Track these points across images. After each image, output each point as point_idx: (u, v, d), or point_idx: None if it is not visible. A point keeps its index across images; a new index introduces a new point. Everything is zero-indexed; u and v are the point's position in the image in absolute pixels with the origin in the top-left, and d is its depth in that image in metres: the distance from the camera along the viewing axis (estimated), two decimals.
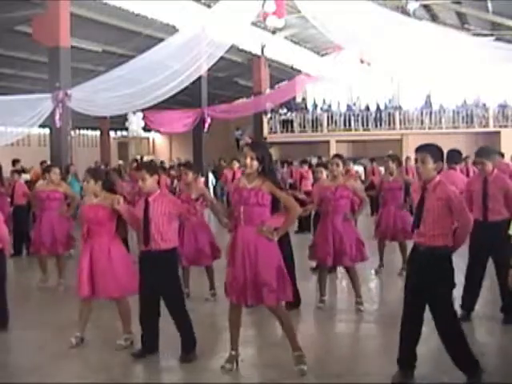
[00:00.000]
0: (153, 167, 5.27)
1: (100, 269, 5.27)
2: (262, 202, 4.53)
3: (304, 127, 25.56)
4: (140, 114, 18.52)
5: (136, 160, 17.39)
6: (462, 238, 4.40)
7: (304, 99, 27.09)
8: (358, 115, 25.37)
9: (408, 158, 14.70)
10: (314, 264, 8.07)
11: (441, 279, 4.30)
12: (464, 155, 10.39)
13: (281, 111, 25.76)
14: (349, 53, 20.12)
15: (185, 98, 17.57)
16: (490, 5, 17.87)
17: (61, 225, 7.92)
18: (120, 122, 21.33)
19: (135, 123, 19.56)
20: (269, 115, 24.89)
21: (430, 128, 24.36)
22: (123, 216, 5.28)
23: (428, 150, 4.38)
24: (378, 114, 25.23)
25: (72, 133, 14.11)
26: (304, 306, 6.73)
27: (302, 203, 6.66)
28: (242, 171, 4.77)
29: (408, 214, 8.15)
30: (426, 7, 19.54)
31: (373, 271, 8.44)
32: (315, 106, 26.56)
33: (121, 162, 22.52)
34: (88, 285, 5.29)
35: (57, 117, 12.67)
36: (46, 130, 17.55)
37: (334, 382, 4.56)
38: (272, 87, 24.21)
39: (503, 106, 24.14)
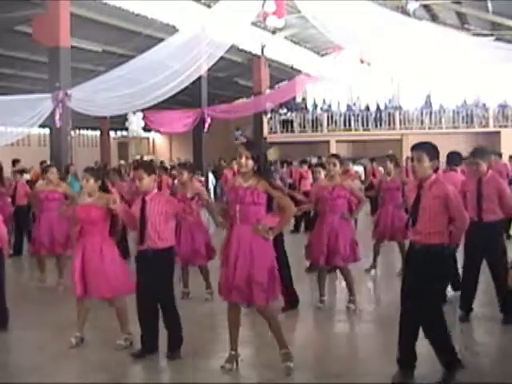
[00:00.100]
0: (151, 167, 5.29)
1: (92, 269, 5.28)
2: (258, 201, 4.57)
3: (304, 127, 25.58)
4: (140, 114, 18.52)
5: (137, 161, 17.40)
6: (458, 236, 4.45)
7: (304, 99, 27.10)
8: (357, 115, 25.39)
9: (408, 158, 14.69)
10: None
11: (436, 277, 4.32)
12: (464, 156, 10.39)
13: (281, 111, 25.77)
14: (349, 53, 20.11)
15: (185, 98, 17.57)
16: (489, 5, 17.86)
17: (60, 225, 7.91)
18: (120, 122, 21.33)
19: (135, 123, 19.57)
20: (269, 115, 24.90)
21: (429, 128, 24.37)
22: (119, 215, 5.30)
23: (424, 148, 4.40)
24: (378, 114, 25.25)
25: (72, 133, 14.10)
26: (303, 306, 6.74)
27: (298, 203, 6.69)
28: (238, 170, 4.80)
29: (405, 214, 8.16)
30: (426, 7, 19.53)
31: (365, 271, 8.44)
32: (315, 106, 26.57)
33: (122, 161, 22.53)
34: (80, 284, 5.30)
35: (57, 117, 12.66)
36: (46, 130, 17.55)
37: (333, 382, 4.57)
38: (272, 87, 24.20)
39: (503, 106, 24.15)
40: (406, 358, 4.43)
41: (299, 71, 22.95)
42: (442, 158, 7.14)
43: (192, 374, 4.80)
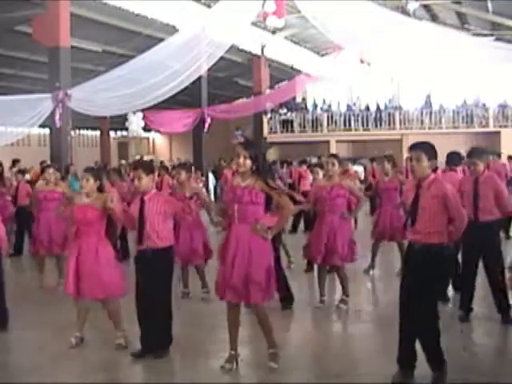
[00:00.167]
0: (149, 166, 5.29)
1: (86, 270, 5.28)
2: (256, 201, 4.58)
3: (304, 127, 25.58)
4: (140, 114, 18.52)
5: (136, 161, 17.38)
6: (457, 235, 4.46)
7: (304, 99, 27.09)
8: (358, 115, 25.38)
9: (408, 159, 14.67)
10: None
11: (436, 276, 4.32)
12: (464, 155, 10.40)
13: (281, 111, 25.77)
14: (349, 53, 20.12)
15: (185, 98, 17.57)
16: (489, 5, 17.87)
17: (58, 225, 7.89)
18: (120, 122, 21.33)
19: (135, 123, 19.56)
20: (269, 115, 24.90)
21: (429, 128, 24.37)
22: (117, 215, 5.31)
23: (422, 148, 4.41)
24: (378, 114, 25.24)
25: (72, 133, 14.10)
26: (303, 306, 6.74)
27: (296, 203, 6.70)
28: (236, 170, 4.81)
29: (403, 214, 8.17)
30: (426, 7, 19.54)
31: (363, 272, 8.44)
32: (315, 106, 26.56)
33: (123, 161, 22.53)
34: (73, 284, 5.31)
35: (57, 117, 12.66)
36: (46, 130, 17.54)
37: (333, 382, 4.57)
38: (272, 87, 24.21)
39: (503, 106, 24.15)
40: (406, 358, 4.43)
41: (299, 71, 22.96)
42: (442, 158, 7.20)
43: (192, 373, 4.80)
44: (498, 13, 18.50)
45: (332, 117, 25.54)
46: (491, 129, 23.86)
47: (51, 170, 8.15)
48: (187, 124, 18.56)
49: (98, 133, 28.80)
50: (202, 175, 17.42)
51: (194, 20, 15.16)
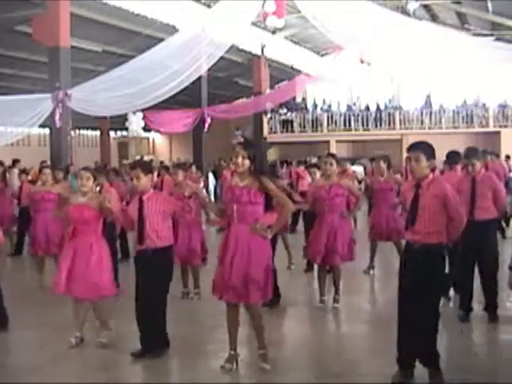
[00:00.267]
0: (148, 166, 5.30)
1: (79, 270, 5.29)
2: (255, 201, 4.59)
3: (304, 127, 25.57)
4: (140, 114, 18.51)
5: (134, 160, 17.39)
6: (456, 235, 4.47)
7: (304, 99, 27.09)
8: (358, 115, 25.38)
9: (407, 159, 14.66)
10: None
11: (436, 276, 4.32)
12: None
13: (281, 111, 25.76)
14: (349, 53, 20.09)
15: (185, 98, 17.56)
16: (489, 5, 17.86)
17: (55, 225, 7.90)
18: (120, 122, 21.32)
19: (135, 123, 19.56)
20: (269, 115, 24.89)
21: (429, 128, 24.37)
22: (115, 215, 5.32)
23: (421, 148, 4.41)
24: (378, 114, 25.24)
25: (72, 133, 14.09)
26: (302, 306, 6.74)
27: (295, 203, 6.69)
28: (234, 170, 4.81)
29: (399, 214, 8.19)
30: (426, 7, 19.52)
31: (363, 272, 8.44)
32: (315, 106, 26.56)
33: (125, 161, 22.54)
34: (64, 283, 5.31)
35: (57, 117, 12.65)
36: (46, 130, 17.54)
37: (333, 382, 4.57)
38: (272, 87, 24.19)
39: (503, 106, 24.15)
40: (406, 358, 4.43)
41: (299, 71, 22.94)
42: (442, 158, 7.21)
43: (192, 373, 4.80)
44: (498, 13, 18.49)
45: (332, 117, 25.53)
46: (491, 129, 23.86)
47: (47, 171, 8.15)
48: (187, 124, 18.55)
49: (97, 133, 28.80)
50: (202, 175, 17.40)
51: (194, 20, 15.15)
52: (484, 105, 24.50)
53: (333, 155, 6.94)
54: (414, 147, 4.44)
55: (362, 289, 7.96)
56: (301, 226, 9.75)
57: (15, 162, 14.18)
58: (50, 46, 13.13)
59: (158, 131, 26.71)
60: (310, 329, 6.22)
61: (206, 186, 17.63)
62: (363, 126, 25.22)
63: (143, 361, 5.00)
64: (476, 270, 6.05)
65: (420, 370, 4.45)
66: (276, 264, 4.83)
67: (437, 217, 4.32)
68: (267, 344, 4.79)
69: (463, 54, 17.07)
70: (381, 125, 25.10)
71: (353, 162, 20.70)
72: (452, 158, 7.01)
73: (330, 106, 26.21)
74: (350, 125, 25.27)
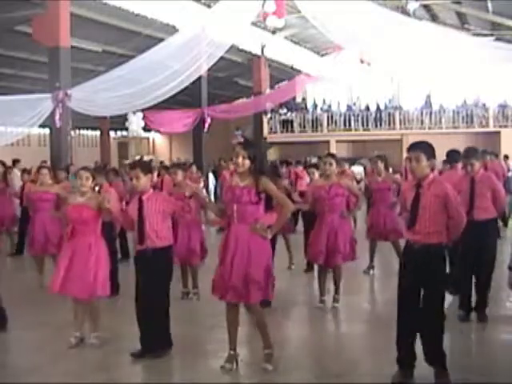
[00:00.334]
0: (147, 166, 5.30)
1: (76, 269, 5.29)
2: (255, 200, 4.59)
3: (304, 127, 25.57)
4: (140, 114, 18.50)
5: (134, 160, 17.38)
6: (456, 234, 4.48)
7: (304, 99, 27.08)
8: (357, 115, 25.38)
9: (407, 159, 14.65)
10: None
11: (437, 276, 4.32)
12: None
13: (281, 111, 25.76)
14: (349, 53, 20.09)
15: (185, 98, 17.55)
16: (489, 5, 17.85)
17: (53, 225, 7.90)
18: (120, 122, 21.32)
19: (135, 123, 19.55)
20: (269, 115, 24.88)
21: (429, 128, 24.36)
22: (114, 215, 5.32)
23: (421, 148, 4.41)
24: (378, 114, 25.24)
25: (72, 133, 14.09)
26: (302, 306, 6.74)
27: (293, 203, 6.69)
28: (234, 170, 4.81)
29: (396, 214, 8.19)
30: (426, 7, 19.52)
31: (363, 272, 8.44)
32: (315, 106, 26.56)
33: (127, 161, 22.51)
34: (60, 283, 5.32)
35: (57, 117, 12.65)
36: (46, 130, 17.54)
37: (333, 382, 4.57)
38: (272, 87, 24.19)
39: (503, 106, 24.14)
40: (406, 358, 4.43)
41: (299, 71, 22.93)
42: (442, 158, 7.21)
43: (192, 373, 4.80)
44: (498, 13, 18.48)
45: (332, 117, 25.53)
46: (491, 129, 23.85)
47: (44, 171, 8.15)
48: (187, 124, 18.54)
49: (97, 133, 28.79)
50: (202, 175, 17.40)
51: (194, 20, 15.14)
52: (484, 105, 24.49)
53: (332, 155, 6.95)
54: (414, 147, 4.44)
55: (362, 289, 7.96)
56: (300, 225, 9.76)
57: (15, 161, 14.18)
58: (50, 45, 13.13)
59: (158, 131, 26.70)
60: (309, 329, 6.22)
61: (206, 186, 17.62)
62: (363, 126, 25.22)
63: (143, 361, 5.00)
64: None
65: (420, 370, 4.45)
66: (276, 264, 4.81)
67: (437, 217, 4.33)
68: (273, 343, 4.78)
69: (463, 54, 17.07)
70: (381, 125, 25.10)
71: (353, 162, 20.73)
72: (452, 156, 7.01)
73: (329, 106, 26.21)
74: (350, 125, 25.27)
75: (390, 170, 9.40)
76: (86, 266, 5.27)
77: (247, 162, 4.62)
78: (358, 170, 19.99)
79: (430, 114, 24.75)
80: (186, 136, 21.84)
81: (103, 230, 5.55)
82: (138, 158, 22.09)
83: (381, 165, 8.46)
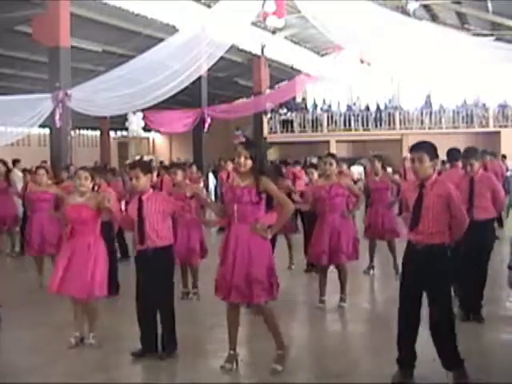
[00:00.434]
0: (147, 166, 5.29)
1: (75, 269, 5.28)
2: (255, 200, 4.58)
3: (304, 127, 25.58)
4: (140, 114, 18.51)
5: (133, 160, 17.38)
6: (458, 234, 4.47)
7: (304, 99, 27.09)
8: (358, 115, 25.39)
9: (406, 159, 14.67)
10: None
11: (441, 276, 4.32)
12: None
13: (281, 111, 25.77)
14: (349, 53, 20.10)
15: (185, 98, 17.56)
16: (489, 5, 17.85)
17: (51, 226, 7.89)
18: (120, 122, 21.31)
19: (135, 123, 19.55)
20: (269, 115, 24.89)
21: (429, 128, 24.37)
22: (114, 215, 5.32)
23: (424, 148, 4.39)
24: (378, 114, 25.24)
25: (72, 133, 14.09)
26: (303, 306, 6.73)
27: (293, 203, 6.69)
28: (235, 170, 4.81)
29: (394, 214, 8.17)
30: (426, 7, 19.52)
31: (363, 273, 8.44)
32: (315, 105, 26.56)
33: (127, 161, 22.51)
34: (58, 283, 5.31)
35: (57, 117, 12.65)
36: (46, 130, 17.54)
37: (333, 382, 4.56)
38: (272, 87, 24.20)
39: (503, 106, 24.15)
40: (406, 358, 4.43)
41: (299, 71, 22.94)
42: (442, 158, 7.19)
43: (192, 373, 4.80)
44: (498, 13, 18.49)
45: (332, 117, 25.54)
46: (491, 129, 23.86)
47: (42, 171, 8.15)
48: (187, 124, 18.55)
49: (97, 133, 28.79)
50: (202, 175, 17.41)
51: (194, 20, 15.15)
52: (484, 105, 24.50)
53: (332, 155, 6.95)
54: (416, 147, 4.42)
55: (362, 289, 7.95)
56: (300, 225, 9.77)
57: (15, 161, 14.16)
58: (49, 45, 13.14)
59: (158, 131, 26.70)
60: (309, 329, 6.21)
61: (206, 186, 17.64)
62: (363, 126, 25.23)
63: (143, 361, 5.01)
64: None
65: (420, 370, 4.45)
66: (276, 264, 4.80)
67: (440, 217, 4.31)
68: (287, 345, 4.76)
69: (463, 54, 17.08)
70: (381, 125, 25.11)
71: (353, 162, 20.72)
72: (453, 155, 7.00)
73: (330, 106, 26.21)
74: (350, 125, 25.28)
75: (390, 169, 9.39)
76: (84, 266, 5.27)
77: (249, 162, 4.60)
78: (358, 170, 20.01)
79: (430, 114, 24.75)
80: (186, 136, 21.84)
81: (102, 230, 5.55)
82: (137, 157, 22.14)
83: (378, 164, 8.46)
